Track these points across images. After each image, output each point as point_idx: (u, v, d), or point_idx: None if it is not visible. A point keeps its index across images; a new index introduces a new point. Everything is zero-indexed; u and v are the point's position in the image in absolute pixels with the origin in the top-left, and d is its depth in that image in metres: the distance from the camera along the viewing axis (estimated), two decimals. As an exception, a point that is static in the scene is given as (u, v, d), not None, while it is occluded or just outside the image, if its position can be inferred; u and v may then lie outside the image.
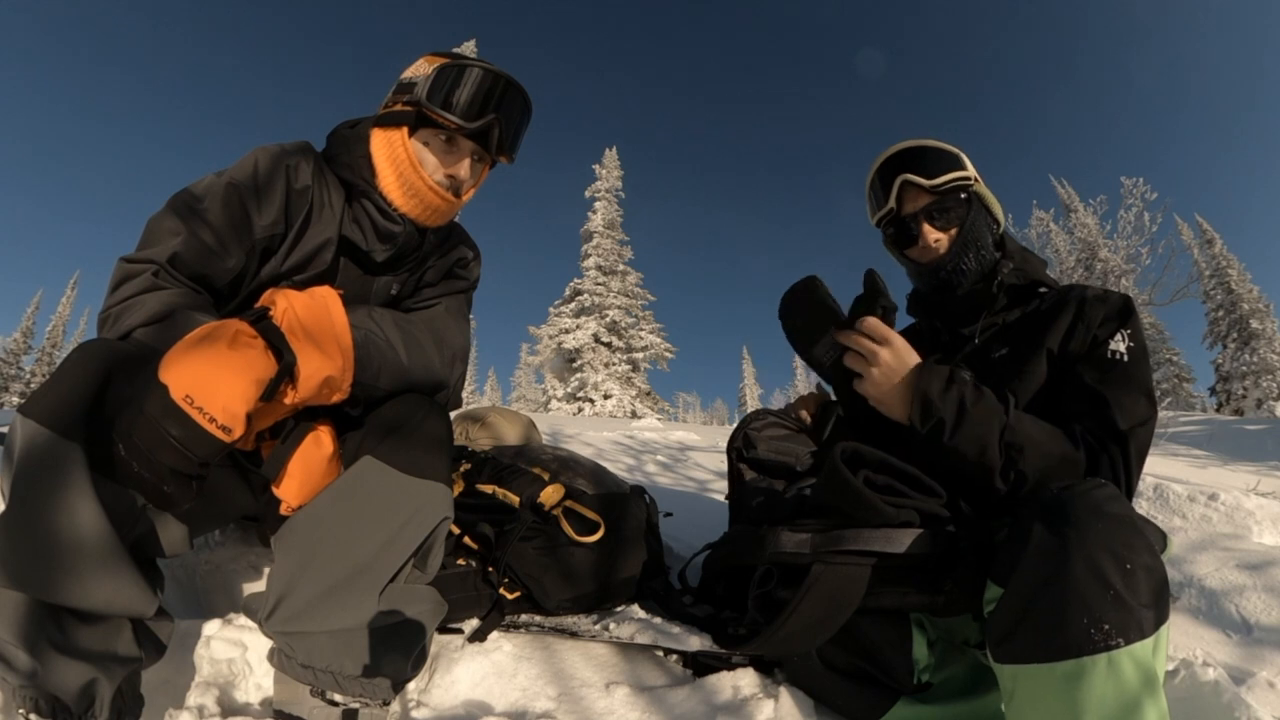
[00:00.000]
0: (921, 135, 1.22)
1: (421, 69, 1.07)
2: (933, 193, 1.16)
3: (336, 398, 0.87)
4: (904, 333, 1.36)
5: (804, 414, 1.42)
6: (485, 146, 1.09)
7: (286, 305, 0.82)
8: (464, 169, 1.08)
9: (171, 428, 0.70)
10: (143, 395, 0.71)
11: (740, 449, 1.41)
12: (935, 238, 1.18)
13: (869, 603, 0.98)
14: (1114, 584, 0.73)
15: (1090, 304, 1.10)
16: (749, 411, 1.51)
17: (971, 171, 1.19)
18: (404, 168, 1.05)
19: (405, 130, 1.05)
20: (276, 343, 0.78)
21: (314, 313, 0.83)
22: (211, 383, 0.71)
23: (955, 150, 1.20)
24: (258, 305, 0.83)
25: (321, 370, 0.82)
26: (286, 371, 0.79)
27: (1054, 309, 1.13)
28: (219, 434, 0.71)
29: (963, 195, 1.18)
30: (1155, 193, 14.26)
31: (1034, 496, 0.85)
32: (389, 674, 0.91)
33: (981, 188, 1.21)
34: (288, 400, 0.81)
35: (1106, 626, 0.72)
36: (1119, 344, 1.05)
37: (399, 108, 1.07)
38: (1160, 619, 0.75)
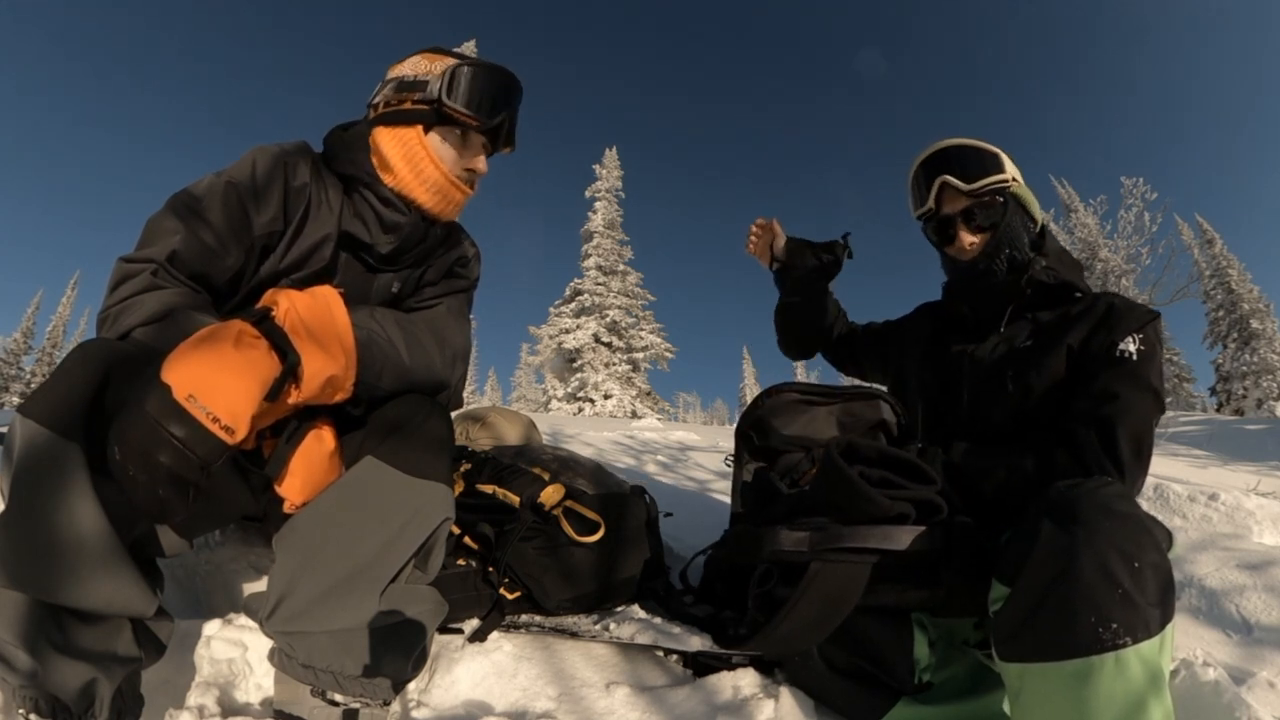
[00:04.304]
0: (950, 135, 1.26)
1: (423, 66, 1.09)
2: (970, 196, 1.20)
3: (339, 397, 0.87)
4: (936, 317, 1.41)
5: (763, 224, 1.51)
6: (494, 141, 1.14)
7: (288, 305, 0.81)
8: (482, 163, 1.14)
9: (173, 427, 0.68)
10: (142, 396, 0.70)
11: (750, 435, 1.38)
12: (970, 240, 1.22)
13: (868, 600, 0.99)
14: (1122, 583, 0.73)
15: (1117, 311, 1.13)
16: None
17: (1010, 173, 1.22)
18: (422, 164, 1.08)
19: (420, 128, 1.08)
20: (280, 342, 0.78)
21: (316, 312, 0.83)
22: (215, 383, 0.70)
23: (996, 150, 1.23)
24: (259, 306, 0.83)
25: (325, 369, 0.82)
26: (290, 371, 0.78)
27: (1084, 312, 1.17)
28: (222, 434, 0.70)
29: (1000, 198, 1.21)
30: (1155, 193, 14.31)
31: (1042, 494, 0.86)
32: (389, 674, 0.91)
33: (1020, 188, 1.23)
34: (291, 400, 0.81)
35: (1115, 625, 0.72)
36: (1129, 345, 1.08)
37: (409, 106, 1.08)
38: (1166, 618, 0.75)
